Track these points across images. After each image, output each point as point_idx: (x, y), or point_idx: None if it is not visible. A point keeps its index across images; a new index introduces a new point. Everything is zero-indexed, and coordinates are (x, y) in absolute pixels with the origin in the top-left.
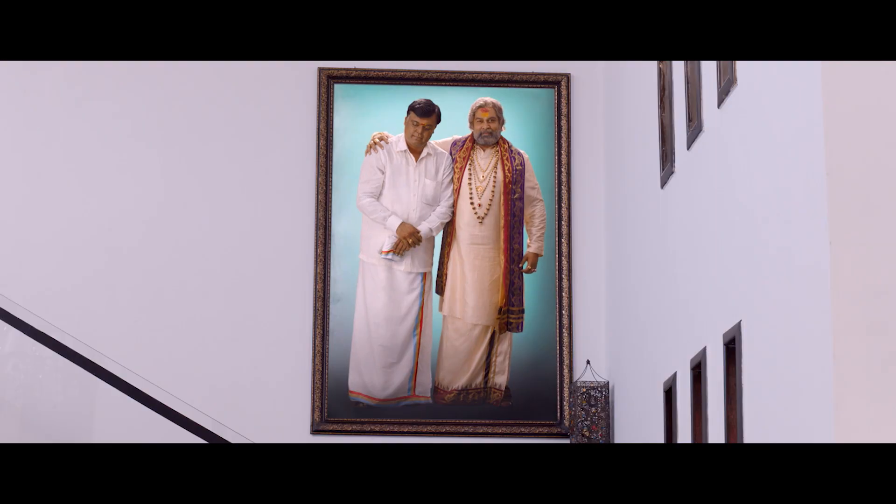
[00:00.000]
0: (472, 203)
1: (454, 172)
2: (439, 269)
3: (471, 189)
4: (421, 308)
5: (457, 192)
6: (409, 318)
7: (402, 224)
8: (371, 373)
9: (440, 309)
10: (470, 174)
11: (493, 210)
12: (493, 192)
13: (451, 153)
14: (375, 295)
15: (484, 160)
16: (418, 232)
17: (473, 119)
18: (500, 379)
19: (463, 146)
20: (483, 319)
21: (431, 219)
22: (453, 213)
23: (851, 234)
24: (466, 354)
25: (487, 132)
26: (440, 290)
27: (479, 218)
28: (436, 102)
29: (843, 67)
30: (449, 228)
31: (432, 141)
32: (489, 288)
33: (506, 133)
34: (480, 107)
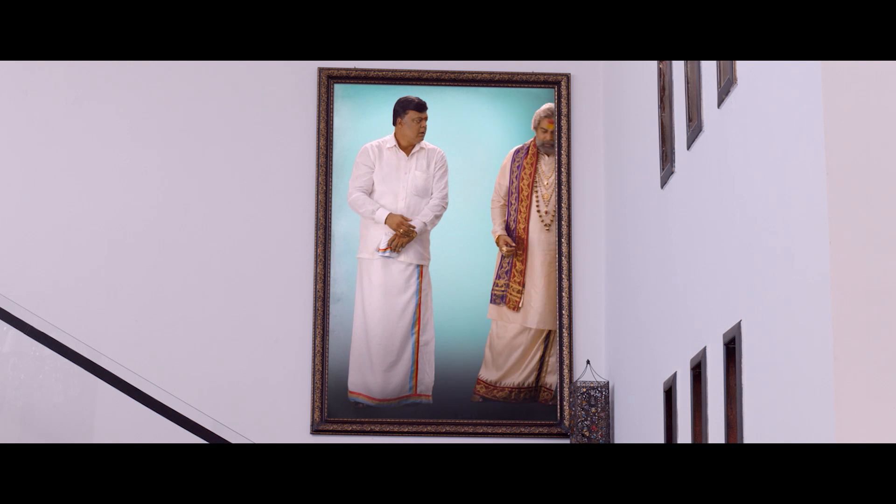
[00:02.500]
0: (538, 210)
1: (521, 180)
2: (509, 281)
3: (537, 197)
4: (419, 305)
5: (526, 199)
6: (405, 317)
7: (391, 215)
8: (370, 373)
9: (503, 319)
10: (535, 182)
11: (556, 216)
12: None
13: (513, 160)
14: (371, 294)
15: (547, 167)
16: (408, 220)
17: (538, 127)
18: (552, 379)
19: (528, 153)
20: (549, 324)
21: (425, 212)
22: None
23: (851, 234)
24: (521, 354)
25: (549, 143)
26: (509, 302)
27: (546, 225)
28: (436, 102)
29: (843, 67)
30: (520, 239)
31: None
32: (554, 293)
33: (509, 133)
34: (546, 116)
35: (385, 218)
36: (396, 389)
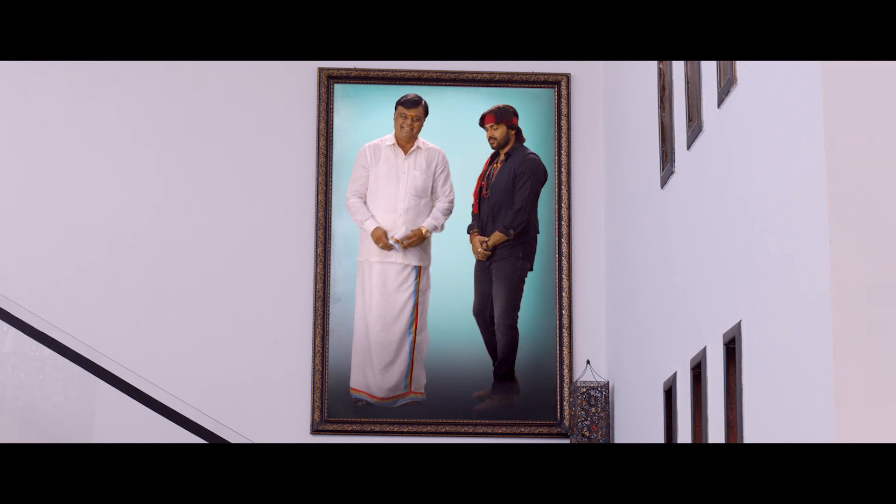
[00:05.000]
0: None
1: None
2: None
3: None
4: (416, 306)
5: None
6: (403, 317)
7: (376, 228)
8: (369, 372)
9: None
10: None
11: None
12: None
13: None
14: (371, 294)
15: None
16: (388, 237)
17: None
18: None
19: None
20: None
21: (435, 215)
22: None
23: (851, 234)
24: None
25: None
26: None
27: None
28: (436, 102)
29: (843, 67)
30: None
31: (423, 138)
32: None
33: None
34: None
35: (372, 229)
36: (393, 388)
